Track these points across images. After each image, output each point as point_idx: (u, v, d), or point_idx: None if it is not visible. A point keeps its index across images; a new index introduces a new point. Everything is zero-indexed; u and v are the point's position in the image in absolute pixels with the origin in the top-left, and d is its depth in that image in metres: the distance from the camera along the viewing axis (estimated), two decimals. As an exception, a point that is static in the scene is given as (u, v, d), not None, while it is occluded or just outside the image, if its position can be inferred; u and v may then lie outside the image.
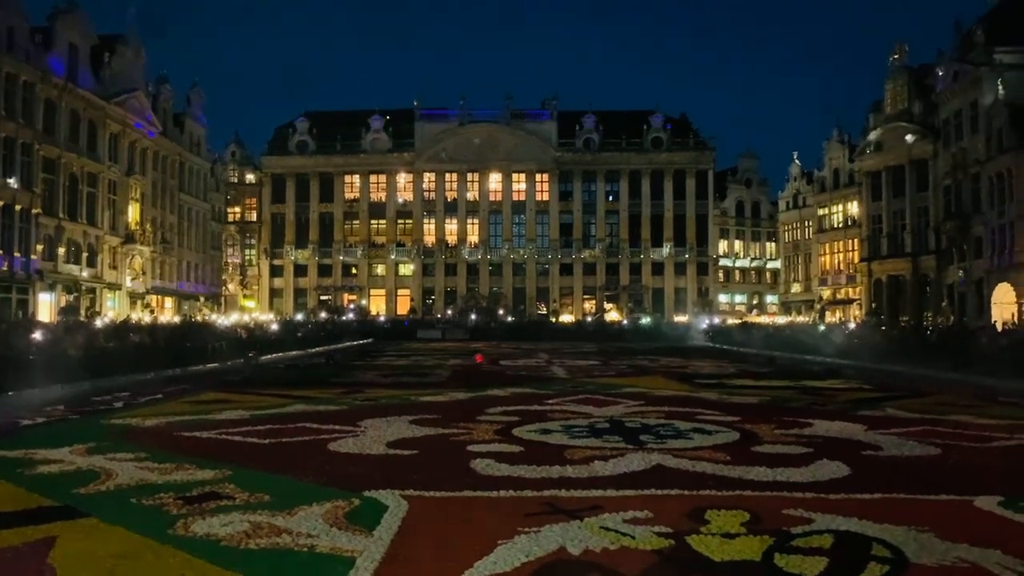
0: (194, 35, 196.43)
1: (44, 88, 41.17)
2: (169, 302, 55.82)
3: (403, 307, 67.12)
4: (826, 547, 4.72)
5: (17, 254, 38.89)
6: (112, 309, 46.14)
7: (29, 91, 40.07)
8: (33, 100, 40.35)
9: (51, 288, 42.03)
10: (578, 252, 68.36)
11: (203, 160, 63.25)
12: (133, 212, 51.07)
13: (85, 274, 45.12)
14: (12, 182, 38.27)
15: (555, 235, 68.57)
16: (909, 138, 51.28)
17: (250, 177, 73.03)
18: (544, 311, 66.17)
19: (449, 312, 62.20)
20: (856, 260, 58.91)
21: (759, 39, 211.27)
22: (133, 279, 50.56)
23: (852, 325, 37.20)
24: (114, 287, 48.44)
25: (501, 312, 60.54)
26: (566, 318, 61.97)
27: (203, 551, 4.66)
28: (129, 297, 49.83)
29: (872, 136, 54.89)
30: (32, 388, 12.74)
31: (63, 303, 41.64)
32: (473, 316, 57.23)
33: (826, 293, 63.33)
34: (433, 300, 67.96)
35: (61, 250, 42.71)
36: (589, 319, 60.78)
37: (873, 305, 52.47)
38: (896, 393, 14.26)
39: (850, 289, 60.94)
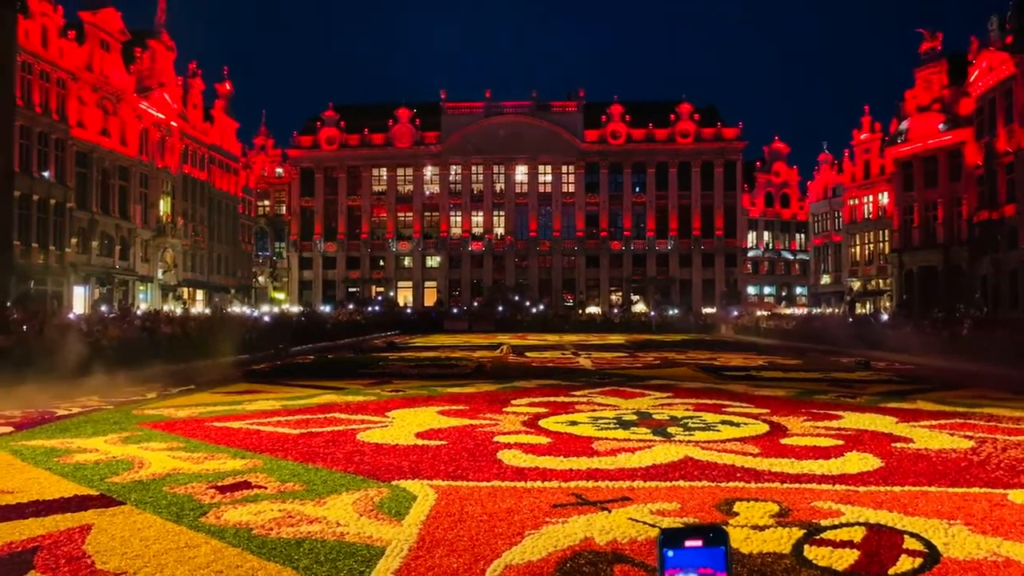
0: (223, 27, 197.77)
1: (77, 84, 41.76)
2: (200, 294, 56.50)
3: (430, 299, 67.41)
4: (857, 540, 4.68)
5: (52, 247, 39.56)
6: (144, 301, 46.78)
7: (62, 87, 40.69)
8: (66, 95, 40.97)
9: (85, 281, 42.70)
10: (604, 244, 68.15)
11: (233, 153, 63.82)
12: (164, 205, 51.71)
13: (118, 267, 45.78)
14: (46, 176, 38.91)
15: (581, 226, 68.41)
16: (941, 127, 50.52)
17: (279, 170, 73.64)
18: (570, 303, 66.09)
19: (476, 304, 62.34)
20: (887, 251, 58.19)
21: (788, 28, 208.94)
22: (165, 271, 51.20)
23: (884, 316, 36.76)
24: (146, 279, 49.10)
25: (527, 304, 60.58)
26: (592, 310, 61.84)
27: (235, 539, 4.73)
28: (161, 289, 50.48)
29: (903, 125, 54.13)
30: (67, 378, 12.97)
31: (96, 295, 42.29)
32: (500, 308, 57.34)
33: (856, 284, 62.62)
34: (459, 292, 68.13)
35: (94, 243, 43.36)
36: (616, 311, 60.63)
37: (904, 296, 51.81)
38: (927, 385, 14.09)
39: (880, 280, 60.22)
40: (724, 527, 2.03)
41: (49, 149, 39.44)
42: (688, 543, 1.73)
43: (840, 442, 7.96)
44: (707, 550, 1.73)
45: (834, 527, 4.92)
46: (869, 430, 8.78)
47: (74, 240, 41.33)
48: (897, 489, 5.94)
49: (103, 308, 34.56)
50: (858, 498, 5.64)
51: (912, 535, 4.76)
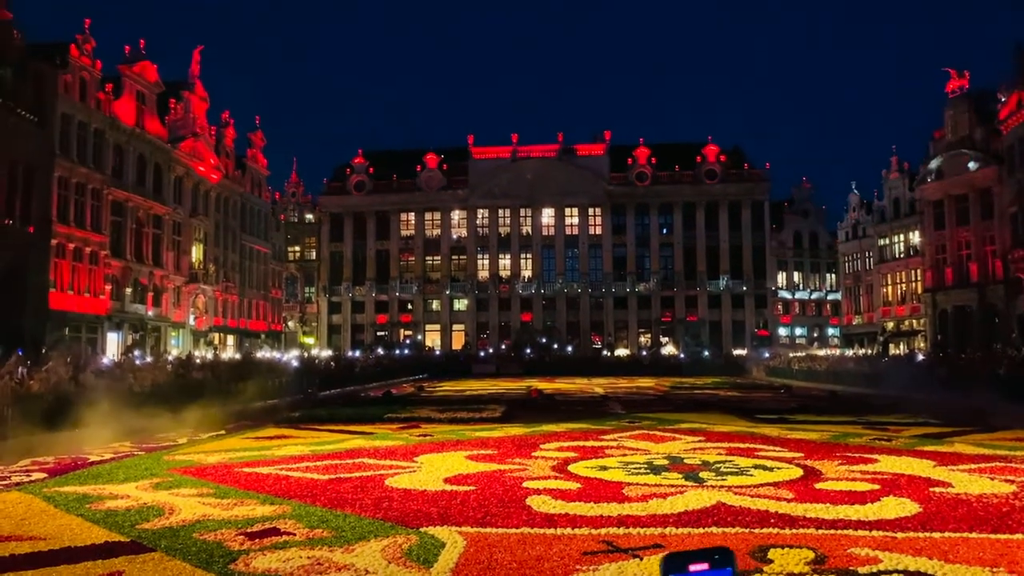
0: (255, 77, 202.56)
1: (113, 135, 42.81)
2: (231, 339, 56.97)
3: (458, 342, 67.42)
4: (895, 588, 4.57)
5: (87, 294, 40.24)
6: (176, 347, 47.26)
7: (99, 138, 41.72)
8: (103, 146, 41.98)
9: (119, 327, 43.31)
10: (632, 285, 67.97)
11: (264, 200, 64.82)
12: (197, 252, 52.47)
13: (151, 313, 46.37)
14: (84, 225, 39.76)
15: (608, 269, 68.35)
16: (972, 165, 50.09)
17: (309, 216, 74.63)
18: (599, 345, 65.77)
19: (503, 347, 62.22)
20: (919, 291, 57.43)
21: (814, 67, 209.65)
22: (196, 317, 51.77)
23: (920, 357, 36.14)
24: (178, 326, 49.65)
25: (555, 346, 60.35)
26: (621, 352, 61.45)
27: (264, 587, 4.72)
28: (192, 335, 51.00)
29: (933, 164, 53.72)
30: (100, 424, 13.09)
31: (129, 341, 42.82)
32: (527, 350, 57.16)
33: (889, 325, 61.74)
34: (487, 335, 68.11)
35: (128, 290, 44.04)
36: (645, 353, 60.19)
37: (939, 337, 50.95)
38: (965, 427, 13.79)
39: (914, 320, 59.34)
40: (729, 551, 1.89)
41: (86, 199, 40.32)
42: (692, 568, 1.63)
43: (876, 486, 7.79)
44: (713, 573, 1.63)
45: (872, 575, 4.80)
46: (906, 474, 8.59)
47: (108, 287, 42.01)
48: (936, 535, 5.80)
49: (136, 354, 34.97)
50: (896, 544, 5.51)
51: (953, 583, 4.63)
